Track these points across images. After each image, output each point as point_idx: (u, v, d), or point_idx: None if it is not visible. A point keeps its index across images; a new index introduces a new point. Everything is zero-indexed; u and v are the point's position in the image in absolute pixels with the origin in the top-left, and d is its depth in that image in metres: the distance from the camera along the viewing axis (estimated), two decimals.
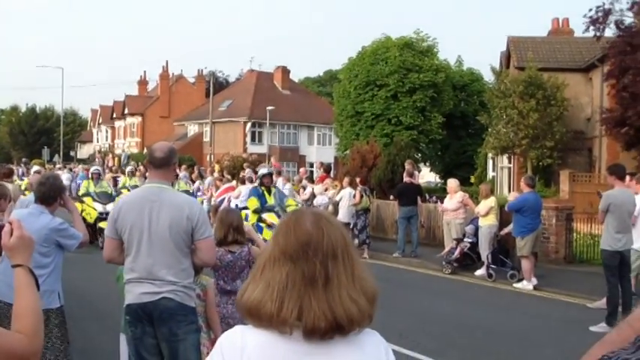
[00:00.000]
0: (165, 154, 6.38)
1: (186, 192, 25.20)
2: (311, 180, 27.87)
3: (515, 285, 17.46)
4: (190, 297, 6.30)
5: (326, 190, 25.54)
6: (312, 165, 67.28)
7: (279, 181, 28.32)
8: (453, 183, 21.39)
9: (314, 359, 2.52)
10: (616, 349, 1.57)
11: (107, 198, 24.34)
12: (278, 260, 2.59)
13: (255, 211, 16.96)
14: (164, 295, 6.11)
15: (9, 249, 3.06)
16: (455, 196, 20.65)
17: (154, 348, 6.24)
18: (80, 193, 26.00)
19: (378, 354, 2.68)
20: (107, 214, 20.20)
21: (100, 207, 24.03)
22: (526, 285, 17.19)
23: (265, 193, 17.04)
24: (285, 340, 2.51)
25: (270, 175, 17.68)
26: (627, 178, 13.78)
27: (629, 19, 27.53)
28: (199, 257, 6.25)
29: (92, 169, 29.04)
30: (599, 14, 27.43)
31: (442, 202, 22.30)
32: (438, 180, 56.46)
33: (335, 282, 2.54)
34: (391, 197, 25.54)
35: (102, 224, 21.21)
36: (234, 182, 29.88)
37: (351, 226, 22.55)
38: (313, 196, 25.58)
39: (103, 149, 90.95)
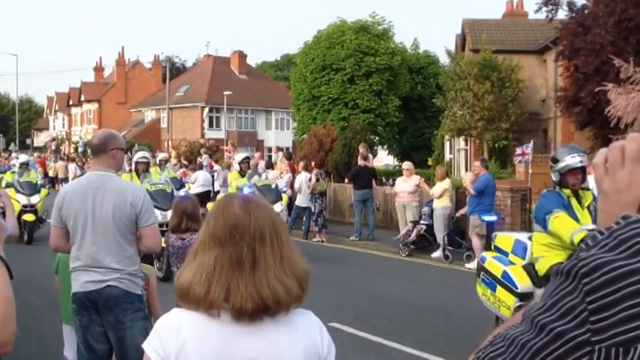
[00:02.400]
0: (100, 141, 6.30)
1: (174, 179, 22.87)
2: (269, 166, 27.72)
3: (467, 265, 17.62)
4: (136, 284, 6.25)
5: (281, 174, 25.44)
6: (270, 150, 67.24)
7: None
8: (409, 165, 21.46)
9: (245, 339, 2.57)
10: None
11: (271, 193, 18.67)
12: (208, 244, 2.63)
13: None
14: (109, 283, 6.07)
15: None
16: (411, 179, 20.71)
17: (101, 336, 6.20)
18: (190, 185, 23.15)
19: (312, 333, 2.72)
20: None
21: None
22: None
23: (573, 202, 9.04)
24: (216, 321, 2.56)
25: (583, 168, 9.14)
26: None
27: (580, 0, 27.74)
28: (144, 244, 6.20)
29: (161, 156, 25.79)
30: None
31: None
32: (396, 163, 56.64)
33: (262, 264, 2.59)
34: (346, 181, 25.60)
35: None
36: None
37: (313, 209, 22.63)
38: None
39: (59, 136, 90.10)
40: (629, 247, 1.36)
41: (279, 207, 17.81)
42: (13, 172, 23.59)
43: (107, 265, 6.08)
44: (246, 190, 18.75)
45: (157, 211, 14.61)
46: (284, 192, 21.31)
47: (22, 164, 23.44)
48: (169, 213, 13.78)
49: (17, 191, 21.46)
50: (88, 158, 41.42)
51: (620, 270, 1.33)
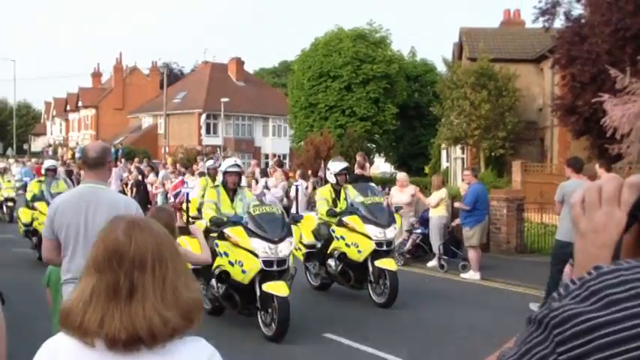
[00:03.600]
0: (98, 154, 6.36)
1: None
2: (265, 173, 27.77)
3: (462, 275, 17.62)
4: None
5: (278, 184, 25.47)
6: (267, 157, 67.33)
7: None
8: (403, 176, 21.40)
9: None
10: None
11: (382, 213, 14.62)
12: (89, 270, 2.54)
13: None
14: None
15: None
16: (406, 190, 20.68)
17: None
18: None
19: None
20: None
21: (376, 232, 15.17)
22: (473, 275, 17.37)
23: None
24: (91, 349, 2.48)
25: None
26: None
27: (577, 10, 27.81)
28: None
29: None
30: (548, 5, 27.68)
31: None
32: (393, 170, 56.72)
33: (140, 293, 2.47)
34: None
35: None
36: (186, 176, 29.81)
37: None
38: (267, 188, 25.52)
39: (57, 142, 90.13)
40: (600, 298, 1.36)
41: (392, 231, 14.32)
42: (40, 182, 19.67)
43: None
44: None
45: (265, 244, 11.23)
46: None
47: (48, 170, 19.88)
48: (282, 246, 11.26)
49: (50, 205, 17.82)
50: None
51: (592, 322, 1.33)
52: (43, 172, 21.01)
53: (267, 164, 51.71)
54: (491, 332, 11.79)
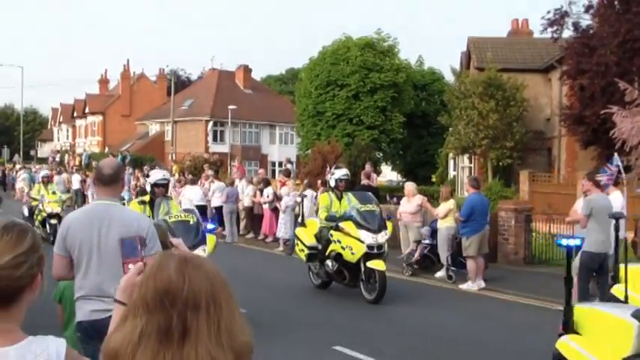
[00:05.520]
0: (113, 171, 6.41)
1: None
2: (267, 183, 27.67)
3: (460, 286, 17.52)
4: None
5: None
6: (274, 164, 67.27)
7: (242, 182, 28.25)
8: (410, 186, 21.38)
9: None
10: None
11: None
12: (137, 309, 2.39)
13: None
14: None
15: (125, 284, 3.13)
16: (413, 199, 20.65)
17: None
18: None
19: None
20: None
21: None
22: (470, 286, 17.30)
23: None
24: None
25: None
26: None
27: (586, 21, 27.80)
28: None
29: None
30: (557, 16, 27.68)
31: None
32: (400, 179, 56.66)
33: (193, 336, 2.33)
34: None
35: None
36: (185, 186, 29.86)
37: None
38: (275, 197, 25.48)
39: (63, 148, 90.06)
40: None
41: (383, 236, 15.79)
42: (144, 203, 11.55)
43: (112, 295, 6.06)
44: None
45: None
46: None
47: (156, 186, 11.80)
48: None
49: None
50: (92, 170, 41.36)
51: None
52: (148, 188, 12.97)
53: (273, 172, 51.68)
54: (496, 346, 11.77)
